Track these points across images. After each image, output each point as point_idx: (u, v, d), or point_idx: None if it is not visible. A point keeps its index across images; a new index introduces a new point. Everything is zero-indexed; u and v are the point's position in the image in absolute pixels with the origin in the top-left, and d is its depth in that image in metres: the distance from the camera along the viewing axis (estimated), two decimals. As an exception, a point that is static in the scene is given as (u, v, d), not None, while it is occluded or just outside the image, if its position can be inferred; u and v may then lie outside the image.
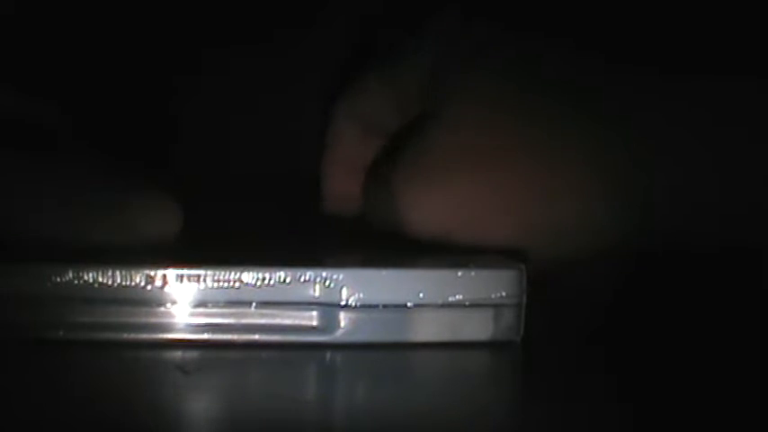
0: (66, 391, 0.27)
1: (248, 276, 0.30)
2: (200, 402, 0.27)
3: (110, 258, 0.30)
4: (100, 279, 0.30)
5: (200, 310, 0.30)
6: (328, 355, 0.30)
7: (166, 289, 0.30)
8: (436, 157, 0.34)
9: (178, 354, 0.30)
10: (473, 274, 0.31)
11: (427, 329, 0.31)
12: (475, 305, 0.31)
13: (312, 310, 0.30)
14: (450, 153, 0.34)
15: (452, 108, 0.34)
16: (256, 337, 0.30)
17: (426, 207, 0.34)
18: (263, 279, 0.30)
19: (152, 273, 0.30)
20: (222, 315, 0.30)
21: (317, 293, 0.30)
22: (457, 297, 0.31)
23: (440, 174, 0.34)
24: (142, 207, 0.32)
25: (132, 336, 0.30)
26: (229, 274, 0.30)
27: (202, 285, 0.30)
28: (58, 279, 0.30)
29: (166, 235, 0.32)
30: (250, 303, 0.30)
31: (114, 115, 0.47)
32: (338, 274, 0.30)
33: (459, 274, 0.31)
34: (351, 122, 0.37)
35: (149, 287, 0.30)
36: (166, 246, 0.32)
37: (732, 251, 0.36)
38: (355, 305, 0.30)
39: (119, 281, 0.30)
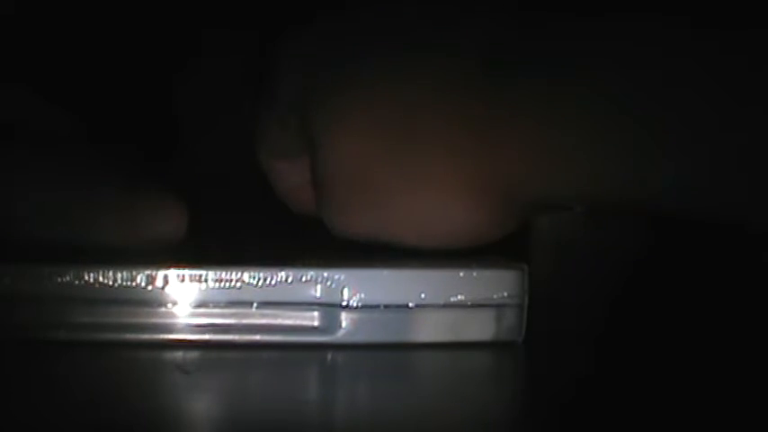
0: (67, 391, 0.27)
1: (249, 276, 0.30)
2: (201, 402, 0.27)
3: (111, 259, 0.30)
4: (101, 279, 0.30)
5: (202, 310, 0.30)
6: (329, 355, 0.30)
7: (167, 289, 0.30)
8: (333, 182, 0.33)
9: (179, 354, 0.30)
10: (475, 274, 0.31)
11: (429, 330, 0.31)
12: (477, 305, 0.31)
13: (313, 310, 0.30)
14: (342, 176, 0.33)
15: (330, 128, 0.33)
16: (257, 337, 0.30)
17: (346, 228, 0.34)
18: (265, 279, 0.30)
19: (153, 273, 0.30)
20: (223, 315, 0.30)
21: (318, 294, 0.30)
22: (459, 297, 0.31)
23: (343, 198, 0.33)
24: (147, 207, 0.32)
25: (133, 336, 0.30)
26: (230, 275, 0.30)
27: (203, 285, 0.30)
28: (59, 279, 0.30)
29: (172, 235, 0.32)
30: (251, 303, 0.30)
31: (117, 115, 0.47)
32: (339, 275, 0.30)
33: (461, 274, 0.31)
34: (273, 160, 0.36)
35: (150, 287, 0.30)
36: (168, 245, 0.32)
37: (733, 244, 0.36)
38: (357, 305, 0.30)
39: (120, 281, 0.30)
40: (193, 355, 0.30)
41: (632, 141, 0.29)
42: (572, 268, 0.45)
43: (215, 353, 0.30)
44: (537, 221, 0.49)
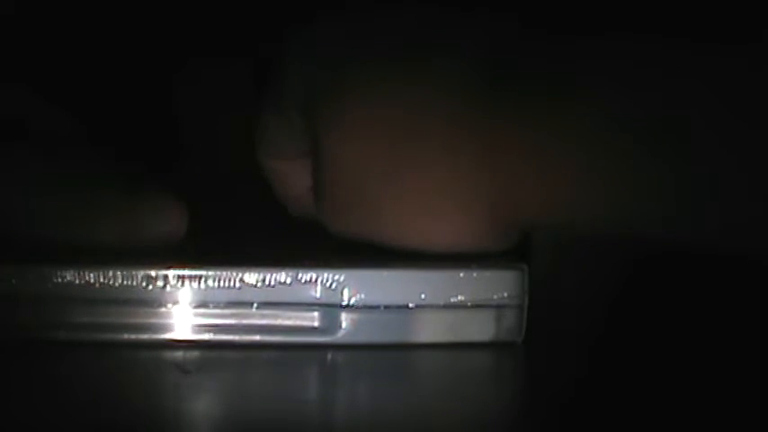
0: (67, 391, 0.27)
1: (249, 277, 0.30)
2: (201, 402, 0.27)
3: (111, 259, 0.30)
4: (101, 279, 0.30)
5: (202, 310, 0.30)
6: (329, 355, 0.30)
7: (167, 289, 0.30)
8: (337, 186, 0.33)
9: (179, 354, 0.30)
10: (475, 275, 0.31)
11: (428, 330, 0.31)
12: (476, 306, 0.31)
13: (313, 310, 0.30)
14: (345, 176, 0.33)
15: (333, 128, 0.33)
16: (258, 337, 0.30)
17: (342, 228, 0.33)
18: (265, 280, 0.30)
19: (153, 273, 0.30)
20: (223, 316, 0.30)
21: (318, 294, 0.30)
22: (459, 298, 0.31)
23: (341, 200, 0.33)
24: (148, 208, 0.32)
25: (133, 336, 0.30)
26: (231, 275, 0.30)
27: (204, 286, 0.30)
28: (59, 280, 0.30)
29: (172, 236, 0.32)
30: (251, 304, 0.30)
31: (118, 115, 0.47)
32: (340, 275, 0.30)
33: (461, 275, 0.31)
34: (274, 161, 0.36)
35: (150, 287, 0.30)
36: (169, 246, 0.32)
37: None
38: (357, 306, 0.30)
39: (120, 281, 0.30)
40: (193, 354, 0.30)
41: (631, 157, 0.29)
42: (572, 268, 0.45)
43: (215, 353, 0.30)
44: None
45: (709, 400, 0.28)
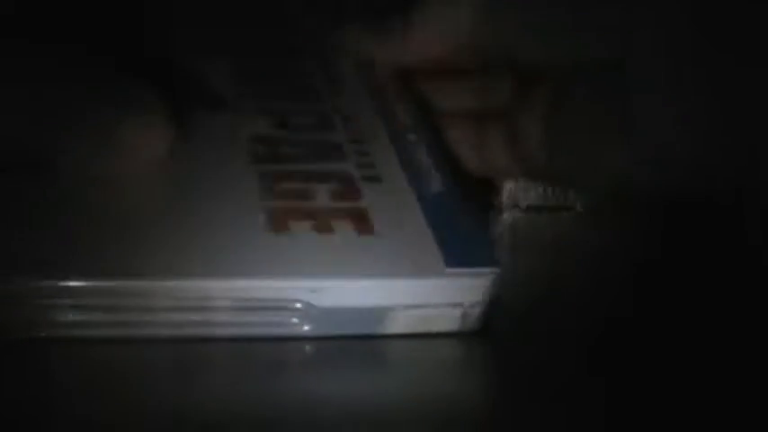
0: (52, 389, 0.27)
1: (227, 280, 0.30)
2: (185, 399, 0.28)
3: (97, 259, 0.30)
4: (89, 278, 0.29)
5: (183, 307, 0.30)
6: (306, 348, 0.31)
7: (149, 287, 0.30)
8: None
9: (160, 351, 0.30)
10: (444, 281, 0.31)
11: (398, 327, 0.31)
12: (446, 306, 0.31)
13: (289, 311, 0.30)
14: None
15: None
16: (235, 332, 0.30)
17: None
18: (241, 281, 0.30)
19: (137, 269, 0.30)
20: (202, 311, 0.30)
21: (294, 296, 0.30)
22: (430, 303, 0.31)
23: None
24: (131, 125, 0.32)
25: (115, 333, 0.30)
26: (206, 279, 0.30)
27: (183, 285, 0.30)
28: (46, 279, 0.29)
29: (156, 154, 0.32)
30: (229, 302, 0.30)
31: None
32: (314, 283, 0.30)
33: (431, 281, 0.31)
34: None
35: (135, 285, 0.30)
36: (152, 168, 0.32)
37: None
38: (328, 309, 0.30)
39: (107, 281, 0.29)
40: (173, 351, 0.30)
41: None
42: (570, 268, 0.45)
43: (194, 348, 0.30)
44: (535, 220, 0.49)
45: (708, 400, 0.28)
